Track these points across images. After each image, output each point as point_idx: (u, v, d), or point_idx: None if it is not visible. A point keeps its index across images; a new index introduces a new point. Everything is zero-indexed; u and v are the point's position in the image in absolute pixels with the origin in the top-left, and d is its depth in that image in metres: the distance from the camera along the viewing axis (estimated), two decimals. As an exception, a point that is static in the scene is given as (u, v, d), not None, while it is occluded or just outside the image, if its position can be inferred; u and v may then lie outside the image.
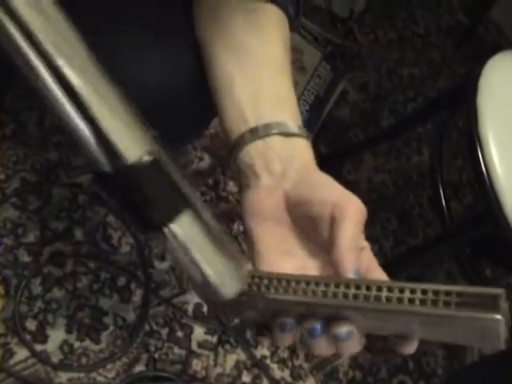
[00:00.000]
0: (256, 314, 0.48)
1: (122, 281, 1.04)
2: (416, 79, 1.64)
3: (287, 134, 0.52)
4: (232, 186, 1.23)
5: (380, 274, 0.47)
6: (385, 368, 1.22)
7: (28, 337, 0.94)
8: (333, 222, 0.47)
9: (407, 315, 0.41)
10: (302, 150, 0.52)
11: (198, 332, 1.07)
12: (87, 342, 0.98)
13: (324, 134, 1.41)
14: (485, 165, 0.85)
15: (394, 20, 1.70)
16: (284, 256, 0.49)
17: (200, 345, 1.07)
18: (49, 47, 0.33)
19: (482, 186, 0.85)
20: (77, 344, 0.97)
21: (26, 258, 0.99)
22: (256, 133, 0.52)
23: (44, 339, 0.96)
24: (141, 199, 0.37)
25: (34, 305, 0.97)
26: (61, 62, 0.33)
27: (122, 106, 0.37)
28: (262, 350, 1.11)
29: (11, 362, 0.92)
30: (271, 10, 0.58)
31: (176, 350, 1.04)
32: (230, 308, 0.48)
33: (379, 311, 0.42)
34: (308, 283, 0.44)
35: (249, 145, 0.52)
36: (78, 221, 1.05)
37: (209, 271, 0.42)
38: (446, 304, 0.39)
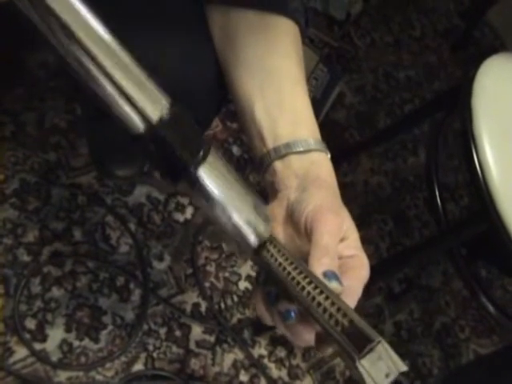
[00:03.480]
0: None
1: (120, 280, 1.05)
2: (412, 82, 1.65)
3: (305, 151, 0.54)
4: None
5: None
6: (381, 368, 1.23)
7: (27, 336, 0.95)
8: (310, 232, 0.49)
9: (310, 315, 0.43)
10: (317, 164, 0.54)
11: (196, 331, 1.08)
12: (86, 341, 0.99)
13: (321, 136, 1.41)
14: (479, 164, 0.86)
15: (391, 23, 1.71)
16: None
17: (198, 344, 1.07)
18: (83, 37, 0.39)
19: (477, 186, 0.86)
20: (76, 343, 0.98)
21: (26, 258, 1.00)
22: (277, 152, 0.54)
23: (43, 338, 0.96)
24: (171, 149, 0.44)
25: (34, 304, 0.97)
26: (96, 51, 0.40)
27: (143, 74, 0.43)
28: (260, 350, 1.12)
29: (10, 360, 0.93)
30: (285, 23, 0.59)
31: (174, 349, 1.05)
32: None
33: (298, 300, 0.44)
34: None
35: (270, 165, 0.55)
36: (77, 221, 1.06)
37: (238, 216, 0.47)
38: (336, 323, 0.39)
